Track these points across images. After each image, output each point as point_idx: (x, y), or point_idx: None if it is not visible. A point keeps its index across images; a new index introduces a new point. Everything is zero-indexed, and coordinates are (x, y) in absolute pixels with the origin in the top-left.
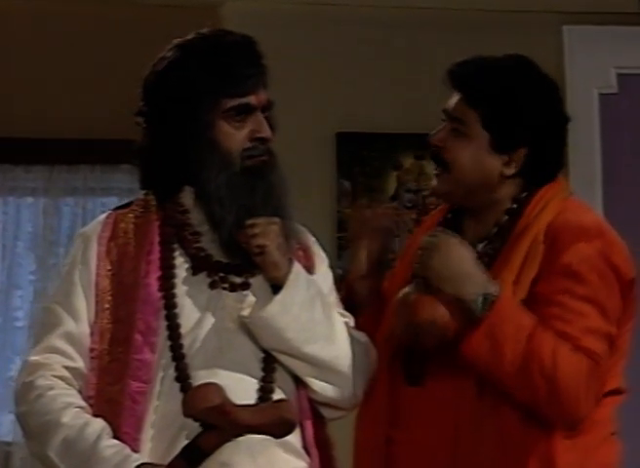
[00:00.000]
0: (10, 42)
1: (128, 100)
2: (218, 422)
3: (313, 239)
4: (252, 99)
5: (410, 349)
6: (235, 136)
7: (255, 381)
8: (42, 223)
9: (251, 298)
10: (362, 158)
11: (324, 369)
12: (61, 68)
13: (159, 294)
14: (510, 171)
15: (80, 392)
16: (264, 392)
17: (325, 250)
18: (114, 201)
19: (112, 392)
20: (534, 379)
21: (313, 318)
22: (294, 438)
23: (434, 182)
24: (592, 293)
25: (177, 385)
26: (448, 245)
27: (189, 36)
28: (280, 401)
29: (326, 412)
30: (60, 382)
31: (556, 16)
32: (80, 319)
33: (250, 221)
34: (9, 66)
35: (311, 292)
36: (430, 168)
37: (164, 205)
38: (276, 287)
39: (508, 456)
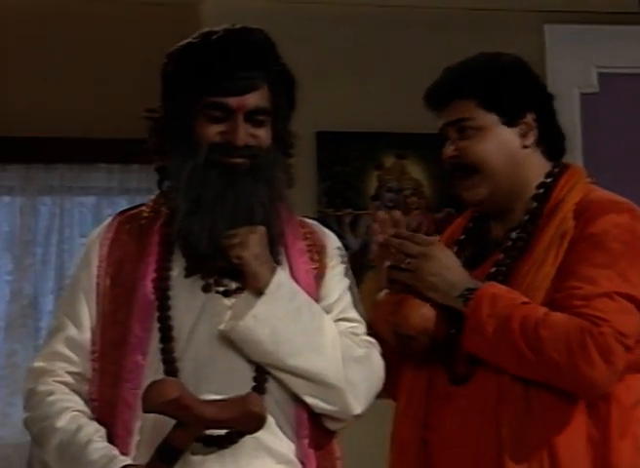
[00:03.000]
0: None
1: (106, 98)
2: (180, 417)
3: (338, 243)
4: (231, 101)
5: (453, 350)
6: (207, 130)
7: (244, 387)
8: (19, 223)
9: (236, 309)
10: (342, 157)
11: (312, 381)
12: (40, 66)
13: (153, 296)
14: (529, 140)
15: (85, 396)
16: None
17: None
18: (92, 200)
19: (110, 395)
20: (518, 348)
21: (296, 329)
22: (285, 447)
23: (467, 194)
24: (611, 260)
25: None
26: (439, 254)
27: (206, 29)
28: (247, 394)
29: (327, 423)
30: (61, 387)
31: (537, 14)
32: (82, 325)
33: (231, 231)
34: None
35: (296, 303)
36: (412, 167)
37: (163, 205)
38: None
39: (558, 456)
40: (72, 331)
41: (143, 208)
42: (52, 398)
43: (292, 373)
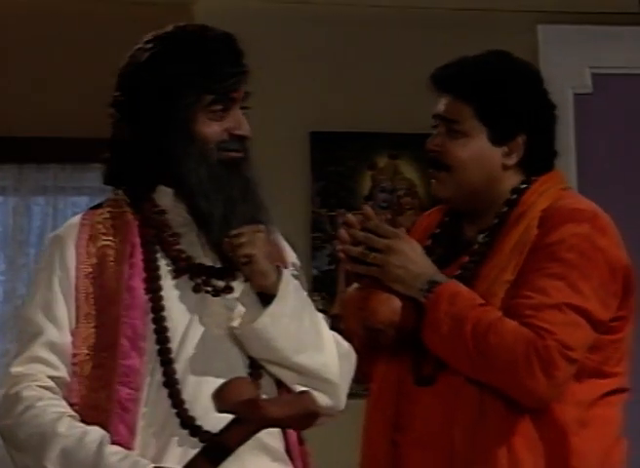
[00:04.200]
0: None
1: (99, 98)
2: (249, 416)
3: (294, 259)
4: (233, 96)
5: (421, 350)
6: (213, 130)
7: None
8: (12, 223)
9: (240, 308)
10: (336, 157)
11: (312, 377)
12: (31, 66)
13: (145, 298)
14: (512, 161)
15: (65, 400)
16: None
17: (296, 249)
18: (85, 200)
19: (98, 399)
20: (467, 349)
21: (302, 326)
22: (278, 443)
23: (435, 188)
24: (564, 271)
25: (164, 391)
26: (404, 247)
27: (169, 29)
28: (304, 392)
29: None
30: (46, 392)
31: (531, 15)
32: (62, 327)
33: (235, 231)
34: None
35: (300, 301)
36: (405, 167)
37: (139, 205)
38: (262, 294)
39: (513, 461)
40: (52, 333)
41: (107, 207)
42: (42, 403)
43: (294, 370)
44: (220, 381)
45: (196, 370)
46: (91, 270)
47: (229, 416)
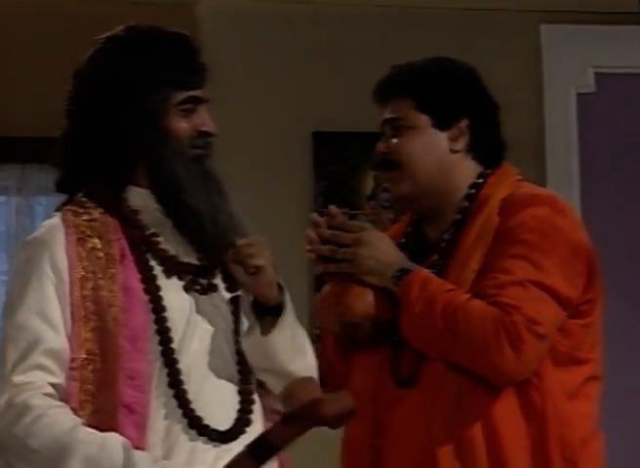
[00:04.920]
0: None
1: None
2: (309, 415)
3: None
4: (199, 93)
5: (399, 345)
6: (184, 127)
7: (233, 385)
8: (15, 222)
9: (251, 319)
10: (338, 157)
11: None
12: (31, 66)
13: (145, 298)
14: (459, 145)
15: None
16: (245, 395)
17: (298, 248)
18: None
19: (101, 403)
20: (438, 330)
21: (294, 335)
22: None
23: (391, 189)
24: (526, 251)
25: (169, 391)
26: (372, 238)
27: (124, 29)
28: (343, 391)
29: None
30: (53, 401)
31: (534, 14)
32: (59, 331)
33: (244, 241)
34: None
35: (292, 311)
36: None
37: (111, 206)
38: (256, 302)
39: (496, 456)
40: (52, 340)
41: (76, 209)
42: (53, 411)
43: (284, 377)
44: (220, 380)
45: (197, 369)
46: (84, 273)
47: (231, 414)
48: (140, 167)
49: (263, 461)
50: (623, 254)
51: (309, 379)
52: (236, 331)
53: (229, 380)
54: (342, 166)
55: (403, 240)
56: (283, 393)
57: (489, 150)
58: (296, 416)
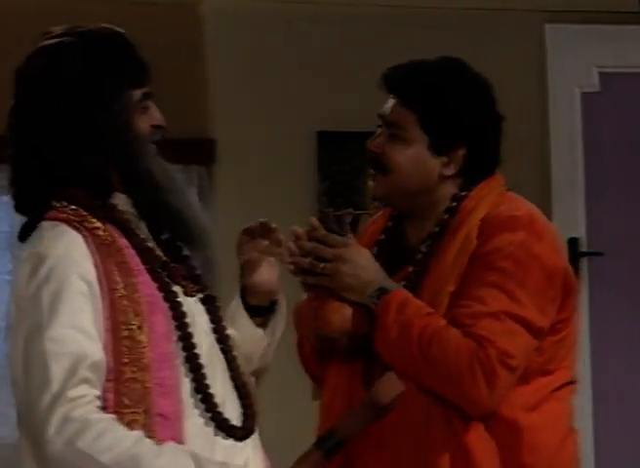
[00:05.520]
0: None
1: None
2: (385, 408)
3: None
4: (149, 88)
5: (371, 356)
6: (144, 124)
7: (230, 381)
8: (18, 222)
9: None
10: (343, 157)
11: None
12: None
13: (165, 306)
14: (450, 171)
15: None
16: (242, 389)
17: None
18: None
19: (134, 414)
20: (413, 355)
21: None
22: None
23: (372, 188)
24: (501, 280)
25: (196, 396)
26: (353, 256)
27: (66, 34)
28: (391, 373)
29: None
30: (109, 414)
31: (538, 14)
32: (97, 344)
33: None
34: None
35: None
36: None
37: (109, 215)
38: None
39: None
40: (95, 354)
41: (75, 218)
42: (115, 425)
43: (257, 375)
44: (224, 379)
45: (209, 372)
46: (111, 284)
47: (238, 410)
48: (113, 171)
49: (332, 454)
50: (627, 253)
51: (394, 375)
52: (215, 330)
53: (227, 377)
54: (346, 166)
55: (382, 236)
56: (374, 387)
57: (478, 174)
58: (359, 409)
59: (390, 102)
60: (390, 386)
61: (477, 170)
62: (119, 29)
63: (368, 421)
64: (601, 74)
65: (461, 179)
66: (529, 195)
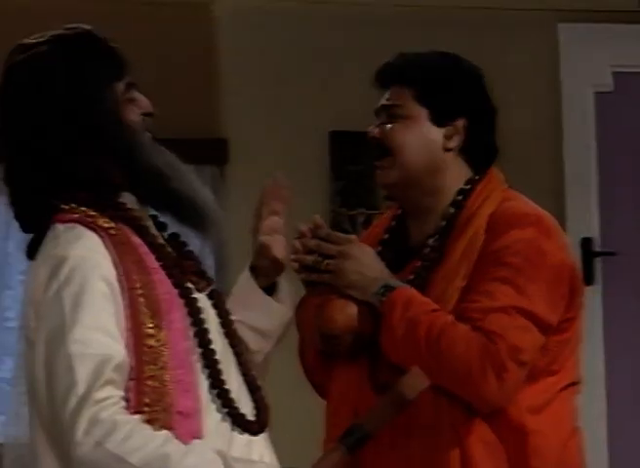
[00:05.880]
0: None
1: None
2: (409, 401)
3: None
4: (131, 78)
5: (377, 355)
6: (135, 115)
7: (240, 376)
8: None
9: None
10: (356, 157)
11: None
12: None
13: (181, 302)
14: (453, 143)
15: None
16: (252, 383)
17: None
18: None
19: (155, 412)
20: (421, 353)
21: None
22: None
23: (379, 176)
24: (511, 275)
25: (213, 392)
26: (357, 252)
27: (43, 37)
28: (413, 368)
29: None
30: (135, 415)
31: (551, 13)
32: (121, 345)
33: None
34: None
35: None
36: None
37: (121, 214)
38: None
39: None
40: (119, 355)
41: (87, 219)
42: (142, 426)
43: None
44: (236, 374)
45: (223, 367)
46: (131, 283)
47: (250, 405)
48: (114, 169)
49: (356, 449)
50: None
51: (419, 369)
52: (223, 324)
53: (238, 372)
54: (360, 165)
55: (386, 236)
56: (401, 380)
57: (482, 153)
58: (384, 403)
59: (385, 94)
60: (416, 380)
61: (479, 148)
62: (86, 26)
63: (392, 415)
64: (615, 74)
65: (464, 160)
66: (542, 195)
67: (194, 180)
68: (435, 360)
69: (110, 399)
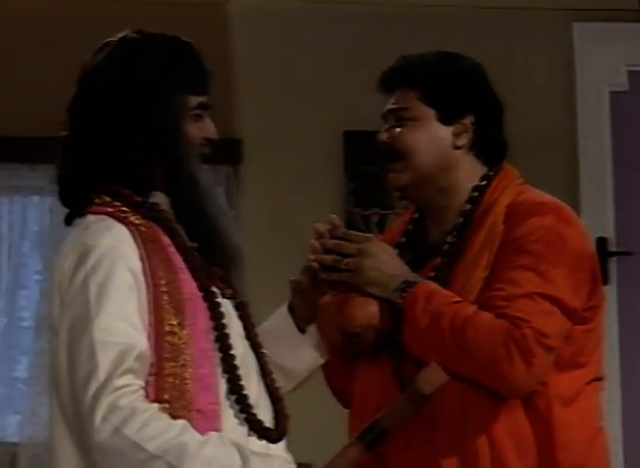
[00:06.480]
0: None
1: None
2: (428, 398)
3: None
4: (207, 99)
5: (399, 352)
6: (195, 133)
7: (262, 384)
8: (48, 222)
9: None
10: (370, 157)
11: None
12: (64, 68)
13: (204, 305)
14: (462, 141)
15: None
16: (274, 392)
17: None
18: None
19: (174, 409)
20: (445, 344)
21: None
22: None
23: (391, 179)
24: (533, 262)
25: (231, 397)
26: (376, 250)
27: (134, 34)
28: (432, 363)
29: None
30: (155, 404)
31: (566, 13)
32: (143, 336)
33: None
34: (7, 65)
35: None
36: None
37: (153, 213)
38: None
39: (498, 455)
40: (142, 345)
41: (118, 214)
42: (162, 414)
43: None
44: (257, 382)
45: (243, 373)
46: (156, 279)
47: (269, 412)
48: (158, 169)
49: (374, 445)
50: None
51: (437, 365)
52: (248, 336)
53: (260, 381)
54: (373, 165)
55: (403, 239)
56: (419, 376)
57: (491, 149)
58: (402, 400)
59: (390, 99)
60: (434, 376)
61: (488, 144)
62: (189, 39)
63: (411, 412)
64: (630, 73)
65: (475, 157)
66: (557, 194)
67: (227, 213)
68: (460, 349)
69: (130, 387)
